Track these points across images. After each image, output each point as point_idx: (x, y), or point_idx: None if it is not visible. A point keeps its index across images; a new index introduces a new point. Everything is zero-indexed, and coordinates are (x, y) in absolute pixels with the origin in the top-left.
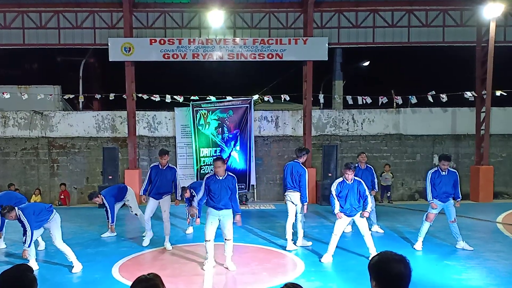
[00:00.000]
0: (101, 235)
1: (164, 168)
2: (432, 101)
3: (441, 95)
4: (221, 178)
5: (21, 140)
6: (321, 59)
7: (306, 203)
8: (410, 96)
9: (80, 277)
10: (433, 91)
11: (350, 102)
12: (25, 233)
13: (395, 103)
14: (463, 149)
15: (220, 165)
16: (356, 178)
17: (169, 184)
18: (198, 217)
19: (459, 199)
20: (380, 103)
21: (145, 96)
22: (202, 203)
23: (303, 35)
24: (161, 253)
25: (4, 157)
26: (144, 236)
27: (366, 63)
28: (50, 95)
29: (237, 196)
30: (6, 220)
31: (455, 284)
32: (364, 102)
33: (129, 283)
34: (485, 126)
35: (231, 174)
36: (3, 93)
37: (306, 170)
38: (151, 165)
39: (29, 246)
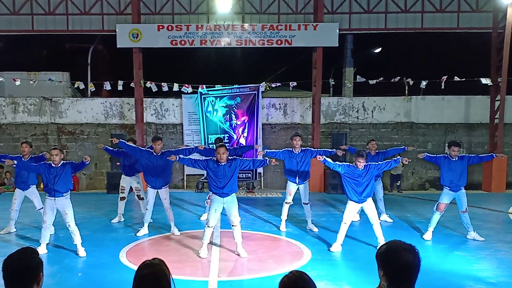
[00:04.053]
0: (112, 221)
1: (158, 154)
2: (445, 78)
3: (456, 77)
4: (223, 164)
5: (31, 126)
6: (332, 45)
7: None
8: (422, 81)
9: (88, 261)
10: (443, 82)
11: (362, 79)
12: None
13: (406, 91)
14: (476, 138)
15: (224, 152)
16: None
17: (166, 172)
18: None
19: (496, 155)
20: (392, 81)
21: (153, 87)
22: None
23: (313, 20)
24: (168, 239)
25: (15, 143)
26: (141, 228)
27: (378, 50)
28: (60, 81)
29: (251, 159)
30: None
31: (465, 275)
32: (377, 82)
33: (136, 268)
34: (499, 115)
35: (231, 158)
36: (14, 79)
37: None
38: (147, 148)
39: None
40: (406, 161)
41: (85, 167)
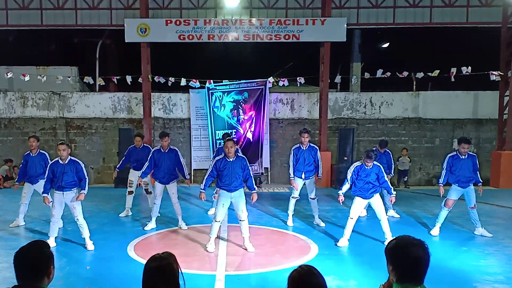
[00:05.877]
0: (119, 215)
1: (166, 151)
2: (454, 72)
3: (466, 69)
4: (231, 160)
5: (39, 120)
6: (339, 40)
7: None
8: (431, 74)
9: (96, 254)
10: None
11: (368, 76)
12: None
13: (414, 86)
14: (484, 133)
15: (232, 146)
16: (375, 163)
17: (173, 168)
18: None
19: (480, 184)
20: (400, 76)
21: (161, 80)
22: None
23: (321, 15)
24: (175, 233)
25: (23, 137)
26: (148, 222)
27: (386, 45)
28: (69, 77)
29: (252, 175)
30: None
31: (473, 271)
32: (385, 77)
33: (144, 261)
34: (508, 110)
35: (240, 155)
36: (22, 75)
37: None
38: (153, 149)
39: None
40: (391, 201)
41: (83, 184)
